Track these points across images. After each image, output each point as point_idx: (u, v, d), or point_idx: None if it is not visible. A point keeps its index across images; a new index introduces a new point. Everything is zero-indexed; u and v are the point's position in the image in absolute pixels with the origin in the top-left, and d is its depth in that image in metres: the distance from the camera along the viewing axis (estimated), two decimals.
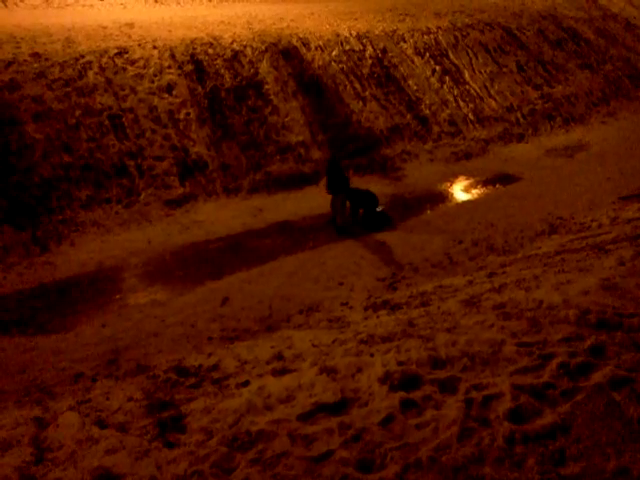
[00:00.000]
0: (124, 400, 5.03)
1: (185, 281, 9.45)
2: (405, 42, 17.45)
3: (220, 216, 11.42)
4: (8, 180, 10.81)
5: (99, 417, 4.63)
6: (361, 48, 16.57)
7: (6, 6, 17.64)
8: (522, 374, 3.79)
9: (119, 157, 11.92)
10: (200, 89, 13.55)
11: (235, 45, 14.78)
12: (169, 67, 13.58)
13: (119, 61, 13.24)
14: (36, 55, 12.65)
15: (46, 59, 12.65)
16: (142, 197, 11.60)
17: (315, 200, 12.23)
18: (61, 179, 11.25)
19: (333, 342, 5.31)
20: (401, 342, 4.51)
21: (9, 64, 12.17)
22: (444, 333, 4.58)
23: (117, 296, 9.09)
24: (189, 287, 9.26)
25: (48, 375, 7.00)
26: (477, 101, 17.17)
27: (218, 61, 14.18)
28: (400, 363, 4.01)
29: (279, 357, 5.29)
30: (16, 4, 17.94)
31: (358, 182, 13.62)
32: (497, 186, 13.76)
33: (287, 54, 15.25)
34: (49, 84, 12.19)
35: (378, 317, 6.33)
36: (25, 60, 12.44)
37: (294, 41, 15.70)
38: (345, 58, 16.05)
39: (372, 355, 4.35)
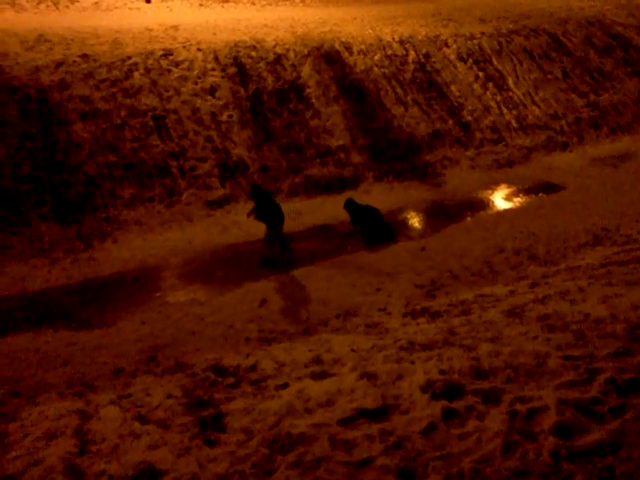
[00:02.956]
0: (164, 397, 5.10)
1: (224, 281, 9.54)
2: (448, 47, 17.30)
3: None
4: (55, 177, 11.11)
5: (139, 413, 4.70)
6: (403, 53, 16.50)
7: (58, 9, 18.16)
8: (568, 388, 3.71)
9: (162, 157, 12.12)
10: (242, 92, 13.69)
11: (278, 48, 14.89)
12: (213, 69, 13.76)
13: (164, 63, 13.48)
14: (85, 56, 12.97)
15: (94, 60, 12.96)
16: (184, 197, 11.77)
17: None
18: (106, 178, 11.50)
19: (372, 348, 5.29)
20: (442, 350, 4.46)
21: (59, 65, 12.51)
22: (487, 343, 4.51)
23: (157, 294, 9.23)
24: (228, 287, 9.34)
25: (89, 369, 7.14)
26: (520, 108, 16.89)
27: (261, 64, 14.31)
28: (442, 372, 3.97)
29: (318, 361, 5.29)
30: (67, 7, 18.44)
31: (397, 187, 13.58)
32: (540, 195, 13.51)
33: (329, 58, 15.29)
34: (96, 84, 12.48)
35: (418, 324, 6.28)
36: (74, 61, 12.77)
37: (336, 45, 15.73)
38: (387, 63, 16.00)
39: (413, 362, 4.31)
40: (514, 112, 16.71)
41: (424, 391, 3.79)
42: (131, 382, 6.35)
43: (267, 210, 9.84)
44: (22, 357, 7.40)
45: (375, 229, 11.14)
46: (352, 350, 5.39)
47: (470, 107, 16.15)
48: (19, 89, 11.73)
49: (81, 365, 7.26)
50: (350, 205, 11.20)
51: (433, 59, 16.72)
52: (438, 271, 9.88)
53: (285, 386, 4.46)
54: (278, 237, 9.99)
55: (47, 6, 18.18)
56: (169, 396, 5.09)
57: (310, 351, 5.85)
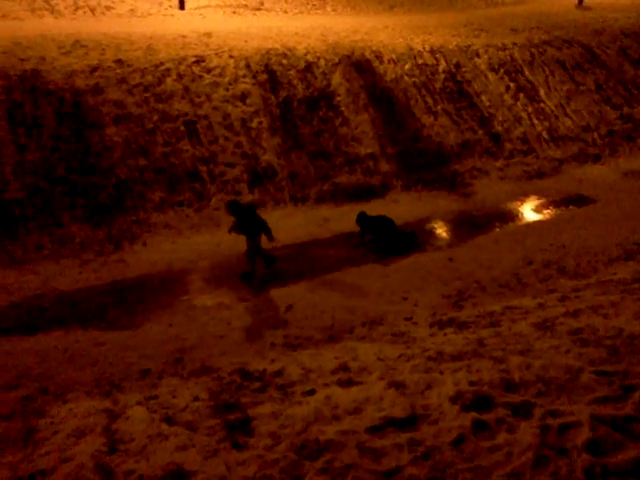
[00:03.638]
0: (190, 399, 5.13)
1: (251, 286, 9.59)
2: (479, 57, 17.21)
3: (287, 224, 11.54)
4: (88, 180, 11.30)
5: (167, 414, 4.74)
6: (434, 62, 16.46)
7: (94, 15, 18.52)
8: (601, 404, 3.64)
9: (192, 162, 12.25)
10: (273, 99, 13.78)
11: (309, 56, 14.97)
12: (244, 76, 13.88)
13: (196, 69, 13.64)
14: (119, 61, 13.19)
15: (128, 65, 13.17)
16: (212, 202, 11.88)
17: (382, 212, 12.15)
18: (136, 181, 11.66)
19: (399, 357, 5.26)
20: (472, 362, 4.41)
21: (94, 69, 12.74)
22: (517, 356, 4.45)
23: (184, 297, 9.31)
24: (254, 292, 9.39)
25: (117, 369, 7.23)
26: (552, 119, 16.71)
27: (291, 72, 14.39)
28: (472, 383, 3.92)
29: (344, 368, 5.28)
30: (103, 13, 18.79)
31: (425, 197, 13.51)
32: (570, 207, 13.32)
33: (360, 66, 15.32)
34: (130, 89, 12.68)
35: (445, 335, 6.23)
36: (109, 66, 12.99)
37: (367, 54, 15.76)
38: (418, 72, 15.97)
39: (442, 373, 4.27)
40: (545, 123, 16.53)
41: (453, 402, 3.75)
42: (157, 383, 6.41)
43: (250, 223, 9.56)
44: (52, 355, 7.52)
45: (389, 239, 11.05)
46: (379, 359, 5.37)
47: (500, 117, 16.02)
48: (55, 93, 11.97)
49: (109, 365, 7.36)
50: (361, 218, 11.10)
51: (464, 69, 16.64)
52: (465, 282, 9.81)
53: (312, 392, 4.46)
54: (259, 251, 9.78)
55: (84, 12, 18.55)
56: (196, 399, 5.12)
57: (336, 358, 5.84)
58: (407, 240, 11.13)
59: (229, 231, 9.85)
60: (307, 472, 3.19)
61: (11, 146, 11.04)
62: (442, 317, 7.90)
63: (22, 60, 12.36)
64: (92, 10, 18.71)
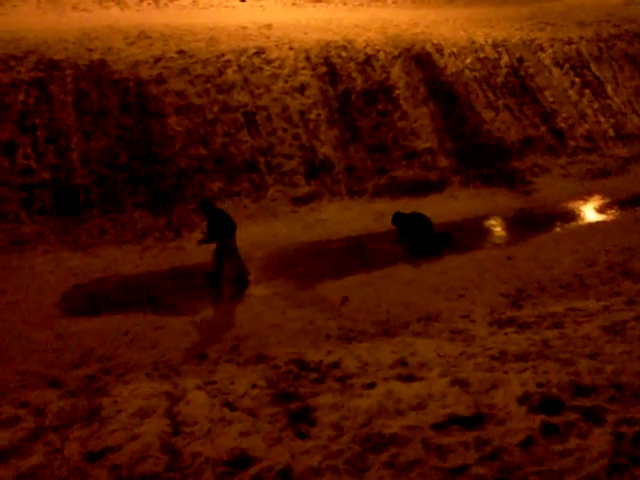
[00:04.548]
0: (249, 386, 5.19)
1: (306, 277, 9.61)
2: (543, 52, 16.71)
3: (343, 217, 11.53)
4: (149, 168, 11.57)
5: (227, 400, 4.80)
6: (496, 56, 16.08)
7: (158, 7, 18.90)
8: None
9: (250, 153, 12.37)
10: (331, 91, 13.76)
11: (368, 49, 14.86)
12: (303, 68, 13.90)
13: (257, 60, 13.74)
14: (182, 52, 13.41)
15: (190, 56, 13.38)
16: (269, 193, 11.97)
17: (438, 208, 12.01)
18: (196, 170, 11.86)
19: (460, 355, 5.17)
20: (537, 363, 4.29)
21: (158, 60, 13.01)
22: (586, 359, 4.31)
23: None
24: (310, 284, 9.41)
25: (175, 353, 7.38)
26: (619, 117, 16.08)
27: (351, 64, 14.32)
28: (539, 385, 3.81)
29: (403, 363, 5.23)
30: (167, 4, 19.15)
31: (484, 193, 13.25)
32: (636, 208, 12.80)
33: (419, 60, 15.12)
34: (192, 80, 12.89)
35: (506, 334, 6.08)
36: (172, 57, 13.23)
37: (427, 47, 15.53)
38: (479, 66, 15.64)
39: (506, 372, 4.17)
40: (612, 120, 15.93)
41: (521, 403, 3.65)
42: (214, 369, 6.51)
43: (220, 224, 9.19)
44: (113, 337, 7.75)
45: (423, 239, 10.77)
46: (439, 355, 5.29)
47: (564, 114, 15.53)
48: (120, 82, 12.29)
49: (167, 349, 7.52)
50: (396, 219, 10.84)
51: (527, 63, 16.20)
52: (524, 281, 9.55)
53: (372, 385, 4.43)
54: (229, 253, 9.37)
55: (148, 4, 18.95)
56: (254, 386, 5.17)
57: (394, 353, 5.78)
58: (441, 240, 10.82)
59: (198, 243, 9.51)
60: (372, 465, 3.17)
61: (78, 134, 11.40)
62: (501, 316, 7.73)
63: (90, 50, 12.73)
64: (156, 1, 19.10)
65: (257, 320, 8.33)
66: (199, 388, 5.37)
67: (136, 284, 9.32)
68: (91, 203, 10.83)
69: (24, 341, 7.52)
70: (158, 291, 9.13)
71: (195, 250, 10.48)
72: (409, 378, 4.54)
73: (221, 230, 9.17)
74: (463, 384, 4.01)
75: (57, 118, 11.45)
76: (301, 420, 3.82)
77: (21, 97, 11.47)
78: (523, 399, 3.67)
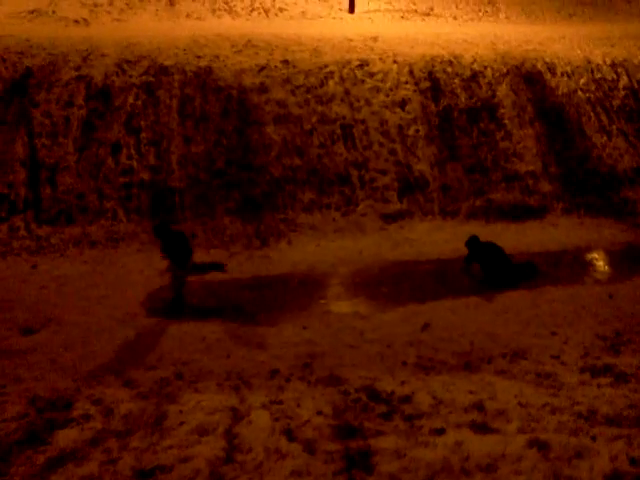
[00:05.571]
0: (313, 412, 5.03)
1: (388, 298, 9.31)
2: None
3: (433, 237, 11.14)
4: (244, 175, 11.74)
5: (288, 425, 4.66)
6: (614, 77, 15.04)
7: (267, 16, 19.31)
8: None
9: (344, 166, 12.26)
10: (433, 107, 13.39)
11: (475, 65, 14.36)
12: (406, 82, 13.64)
13: (359, 73, 13.64)
14: (285, 62, 13.56)
15: (293, 66, 13.50)
16: (360, 207, 11.79)
17: (536, 236, 11.34)
18: (289, 180, 11.90)
19: (543, 406, 4.72)
20: (633, 432, 3.80)
21: (262, 69, 13.23)
22: None
23: (322, 301, 9.26)
24: (391, 305, 9.09)
25: (248, 365, 7.31)
26: None
27: (455, 80, 13.89)
28: (633, 461, 3.34)
29: (479, 407, 4.86)
30: (276, 14, 19.53)
31: (588, 223, 12.37)
32: None
33: (529, 78, 14.42)
34: (293, 90, 12.99)
35: (599, 386, 5.51)
36: (276, 66, 13.41)
37: (539, 65, 14.79)
38: (594, 87, 14.70)
39: (594, 439, 3.72)
40: None
41: None
42: (284, 386, 6.38)
43: (177, 251, 8.61)
44: (190, 341, 7.81)
45: (499, 269, 9.85)
46: (519, 403, 4.86)
47: None
48: (223, 89, 12.59)
49: (241, 359, 7.47)
50: (472, 242, 9.89)
51: None
52: (625, 323, 8.71)
53: (441, 432, 4.11)
54: (176, 277, 8.79)
55: (259, 13, 19.41)
56: (319, 412, 5.01)
57: (471, 393, 5.41)
58: (522, 272, 9.92)
59: (166, 270, 9.04)
60: None
61: (179, 137, 11.78)
62: (596, 362, 7.06)
63: (198, 57, 13.15)
64: (266, 11, 19.52)
65: (334, 338, 8.13)
66: (264, 407, 5.28)
67: (219, 290, 9.40)
68: (184, 206, 11.14)
69: (107, 335, 7.74)
70: (239, 299, 9.15)
71: (281, 260, 10.50)
72: (483, 428, 4.18)
73: (173, 256, 8.70)
74: (543, 447, 3.60)
75: (161, 121, 11.90)
76: (358, 466, 3.58)
77: (130, 100, 12.02)
78: (612, 478, 3.22)
